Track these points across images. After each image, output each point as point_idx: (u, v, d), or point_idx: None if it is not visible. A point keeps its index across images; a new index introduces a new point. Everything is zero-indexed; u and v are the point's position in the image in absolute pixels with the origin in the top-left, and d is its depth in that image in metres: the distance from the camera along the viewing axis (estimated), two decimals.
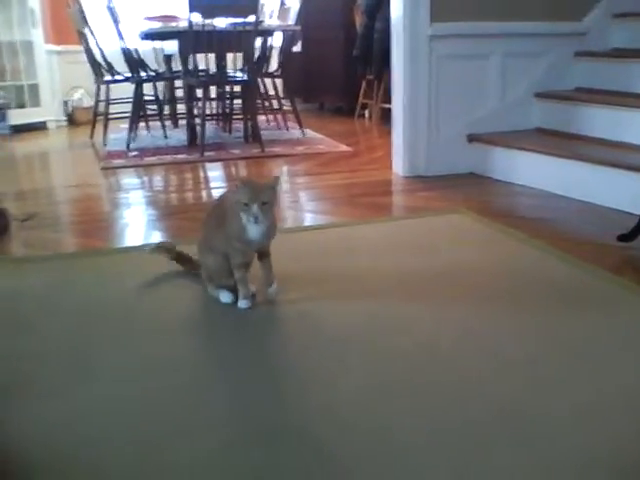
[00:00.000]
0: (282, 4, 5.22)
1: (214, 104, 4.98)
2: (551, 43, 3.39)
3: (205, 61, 4.36)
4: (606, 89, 3.24)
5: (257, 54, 4.45)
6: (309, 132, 4.72)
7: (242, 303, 1.72)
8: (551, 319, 1.62)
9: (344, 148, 4.12)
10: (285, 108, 4.92)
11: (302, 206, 2.86)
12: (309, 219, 2.66)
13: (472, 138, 3.30)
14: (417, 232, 2.36)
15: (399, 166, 3.34)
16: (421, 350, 1.47)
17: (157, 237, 2.43)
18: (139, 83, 4.42)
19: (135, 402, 1.29)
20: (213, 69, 4.55)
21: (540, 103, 3.35)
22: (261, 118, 4.95)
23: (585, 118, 3.10)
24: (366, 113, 5.48)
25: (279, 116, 4.96)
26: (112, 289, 1.89)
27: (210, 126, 4.87)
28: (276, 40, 4.90)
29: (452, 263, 2.03)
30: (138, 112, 4.48)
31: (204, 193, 3.17)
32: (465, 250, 2.16)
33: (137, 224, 2.61)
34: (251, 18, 3.92)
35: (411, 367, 1.40)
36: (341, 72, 5.69)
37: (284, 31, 4.70)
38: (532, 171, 3.00)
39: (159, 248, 1.96)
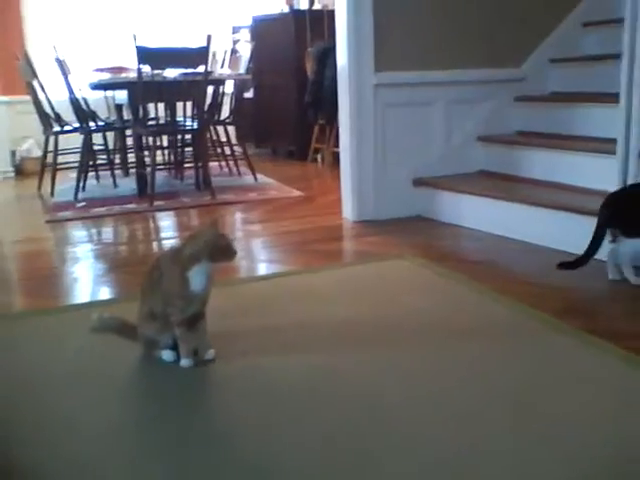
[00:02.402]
0: (233, 52, 5.30)
1: (166, 152, 4.99)
2: (492, 89, 3.52)
3: (156, 110, 4.38)
4: (545, 132, 3.36)
5: (209, 102, 4.49)
6: (262, 178, 4.75)
7: (185, 362, 1.70)
8: (491, 363, 1.64)
9: (296, 193, 4.15)
10: (237, 154, 4.96)
11: (252, 255, 2.86)
12: (258, 268, 2.66)
13: (418, 182, 3.37)
14: (362, 279, 2.38)
15: (348, 211, 3.39)
16: (363, 399, 1.47)
17: (105, 293, 2.39)
18: (88, 133, 4.40)
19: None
20: (165, 117, 4.57)
21: (483, 147, 3.46)
22: (214, 165, 4.97)
23: (525, 160, 3.20)
24: (318, 157, 5.56)
25: (231, 163, 4.99)
26: (55, 351, 1.84)
27: (161, 175, 4.86)
28: (228, 87, 4.97)
29: (395, 309, 2.05)
30: (87, 162, 4.45)
31: (153, 244, 3.14)
32: (409, 296, 2.18)
33: (83, 280, 2.57)
34: (201, 68, 3.97)
35: (354, 417, 1.39)
36: (293, 117, 5.78)
37: (238, 78, 4.76)
38: (476, 213, 3.07)
39: (102, 326, 1.87)
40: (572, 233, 2.61)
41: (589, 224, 2.57)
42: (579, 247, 2.56)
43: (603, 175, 2.64)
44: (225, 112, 4.98)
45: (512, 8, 3.50)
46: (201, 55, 3.91)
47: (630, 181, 2.47)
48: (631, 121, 2.42)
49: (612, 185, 2.55)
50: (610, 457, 1.24)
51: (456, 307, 2.07)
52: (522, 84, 3.59)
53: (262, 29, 6.03)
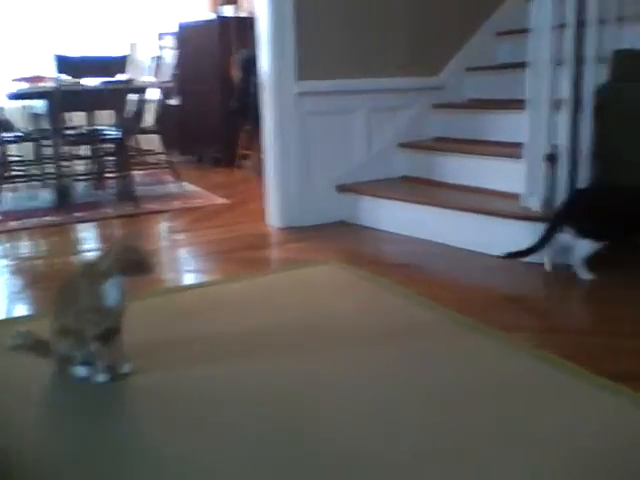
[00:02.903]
0: (157, 59, 5.22)
1: (87, 162, 4.86)
2: (412, 97, 3.61)
3: (77, 119, 4.27)
4: (461, 138, 3.48)
5: (132, 110, 4.41)
6: (187, 185, 4.70)
7: (100, 377, 1.66)
8: (412, 365, 1.68)
9: (222, 201, 4.13)
10: (162, 162, 4.89)
11: (176, 265, 2.83)
12: (183, 279, 2.63)
13: (342, 188, 3.42)
14: (287, 286, 2.39)
15: (273, 218, 3.39)
16: (282, 405, 1.48)
17: (21, 310, 2.31)
18: (2, 144, 4.24)
19: None
20: (85, 126, 4.46)
21: (404, 153, 3.54)
22: (138, 174, 4.88)
23: (444, 166, 3.30)
24: (245, 164, 5.54)
25: (156, 171, 4.92)
26: None
27: (82, 185, 4.73)
28: (153, 94, 4.89)
29: (319, 315, 2.07)
30: (2, 174, 4.28)
31: (72, 258, 3.06)
32: (332, 301, 2.21)
33: None
34: (121, 76, 3.89)
35: (272, 423, 1.40)
36: (219, 124, 5.74)
37: (160, 86, 4.69)
38: (397, 218, 3.14)
39: (17, 344, 1.80)
40: (486, 235, 2.72)
41: (502, 225, 2.68)
42: (493, 248, 2.67)
43: (514, 178, 2.76)
44: (149, 121, 4.90)
45: (430, 19, 3.61)
46: (121, 63, 3.84)
47: (539, 184, 2.58)
48: (536, 126, 2.54)
49: (522, 188, 2.67)
50: (524, 445, 1.30)
51: (378, 311, 2.11)
52: (440, 92, 3.70)
53: (188, 35, 5.97)
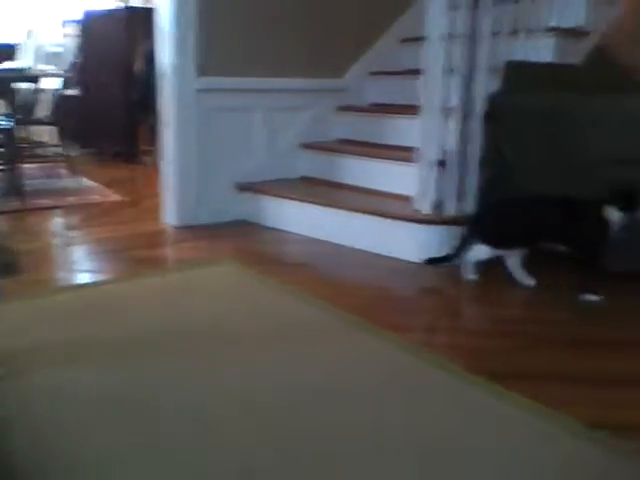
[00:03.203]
0: (59, 47, 4.98)
1: None
2: (315, 98, 3.61)
3: None
4: (364, 141, 3.51)
5: (25, 99, 4.18)
6: (84, 180, 4.50)
7: None
8: (301, 363, 1.67)
9: (118, 197, 3.98)
10: (57, 156, 4.66)
11: (67, 264, 2.69)
12: (73, 278, 2.50)
13: (242, 187, 3.37)
14: (179, 287, 2.33)
15: (170, 216, 3.30)
16: (179, 410, 1.43)
17: None
18: None
19: None
20: None
21: (306, 153, 3.54)
22: (31, 168, 4.62)
23: (345, 167, 3.33)
24: (146, 159, 5.38)
25: (53, 165, 4.68)
26: None
27: None
28: (51, 84, 4.64)
29: (208, 316, 2.03)
30: None
31: None
32: (224, 301, 2.17)
33: None
34: (9, 64, 3.68)
35: (171, 429, 1.34)
36: (121, 116, 5.54)
37: (57, 76, 4.47)
38: (298, 218, 3.13)
39: None
40: (381, 236, 2.76)
41: (395, 227, 2.73)
42: (389, 249, 2.71)
43: (409, 181, 2.81)
44: (45, 111, 4.65)
45: (334, 21, 3.62)
46: (9, 51, 3.63)
47: (430, 188, 2.64)
48: (428, 132, 2.60)
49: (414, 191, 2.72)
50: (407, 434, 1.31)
51: (268, 312, 2.09)
52: (344, 94, 3.72)
53: (93, 24, 5.72)
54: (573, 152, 2.49)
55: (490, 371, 1.68)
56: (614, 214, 2.18)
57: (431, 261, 2.50)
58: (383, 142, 3.39)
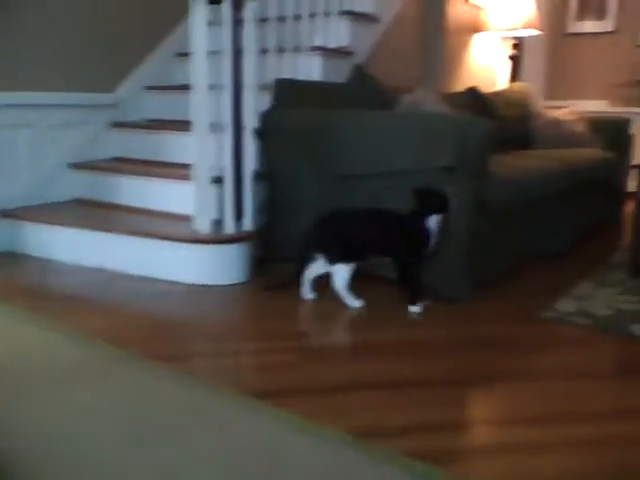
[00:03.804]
0: None
1: None
2: (85, 114, 3.37)
3: None
4: (141, 159, 3.36)
5: None
6: None
7: None
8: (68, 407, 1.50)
9: None
10: None
11: None
12: None
13: (4, 214, 3.03)
14: None
15: None
16: None
17: None
18: None
19: None
20: None
21: (77, 174, 3.28)
22: None
23: (120, 187, 3.14)
24: None
25: None
26: None
27: None
28: None
29: None
30: None
31: None
32: None
33: None
34: None
35: None
36: None
37: None
38: (69, 245, 2.88)
39: None
40: (160, 259, 2.64)
41: (174, 249, 2.63)
42: (169, 273, 2.61)
43: (188, 200, 2.72)
44: None
45: (103, 33, 3.42)
46: None
47: (208, 206, 2.59)
48: (202, 148, 2.54)
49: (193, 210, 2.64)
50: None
51: (34, 353, 1.86)
52: (118, 110, 3.54)
53: None
54: (341, 166, 2.60)
55: (264, 390, 1.66)
56: (432, 220, 2.25)
57: (270, 288, 2.43)
58: (161, 159, 3.27)
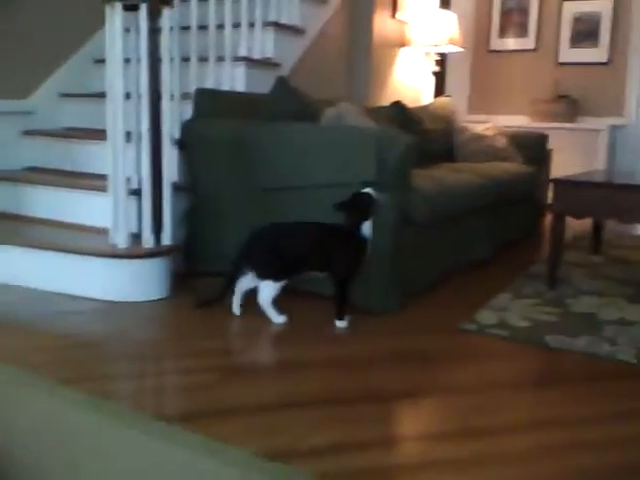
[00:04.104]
0: None
1: None
2: None
3: None
4: (58, 169, 3.21)
5: None
6: None
7: None
8: None
9: None
10: None
11: None
12: None
13: None
14: None
15: None
16: None
17: None
18: None
19: None
20: None
21: None
22: None
23: (34, 199, 2.98)
24: None
25: None
26: None
27: None
28: None
29: None
30: None
31: None
32: None
33: None
34: None
35: None
36: None
37: None
38: None
39: None
40: (76, 275, 2.51)
41: (92, 264, 2.51)
42: (86, 289, 2.49)
43: (106, 212, 2.61)
44: None
45: (16, 37, 3.26)
46: None
47: (125, 219, 2.48)
48: (118, 159, 2.44)
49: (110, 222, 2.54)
50: None
51: None
52: (32, 117, 3.37)
53: None
54: (263, 178, 2.55)
55: (183, 412, 1.59)
56: (366, 227, 2.21)
57: (202, 304, 2.33)
58: (78, 170, 3.13)
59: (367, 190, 2.22)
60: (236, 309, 2.34)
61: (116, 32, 2.30)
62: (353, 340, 2.17)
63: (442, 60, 5.32)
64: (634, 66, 5.35)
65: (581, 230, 4.28)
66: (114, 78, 2.36)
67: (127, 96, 2.48)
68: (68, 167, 3.18)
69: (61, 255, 2.53)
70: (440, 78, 5.63)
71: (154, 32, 2.33)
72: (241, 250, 2.27)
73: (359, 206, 2.21)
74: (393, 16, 4.76)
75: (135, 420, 1.53)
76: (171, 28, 2.44)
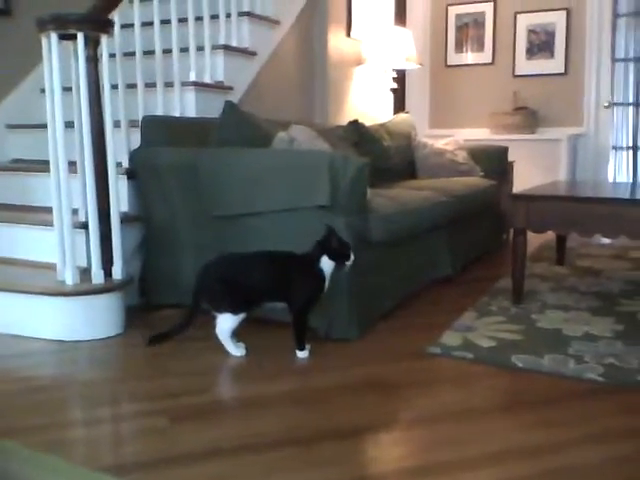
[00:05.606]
0: None
1: None
2: None
3: None
4: (3, 202, 3.08)
5: None
6: None
7: None
8: None
9: None
10: None
11: None
12: None
13: None
14: None
15: None
16: None
17: None
18: None
19: None
20: None
21: None
22: None
23: None
24: None
25: None
26: None
27: None
28: None
29: None
30: None
31: None
32: None
33: None
34: None
35: None
36: None
37: None
38: None
39: None
40: (22, 314, 2.39)
41: (37, 302, 2.40)
42: (32, 329, 2.38)
43: (54, 248, 2.49)
44: None
45: None
46: None
47: (71, 254, 2.37)
48: (61, 191, 2.34)
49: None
50: None
51: None
52: None
53: None
54: (215, 205, 2.47)
55: (122, 463, 1.49)
56: (326, 264, 2.15)
57: (154, 340, 2.21)
58: (25, 203, 3.02)
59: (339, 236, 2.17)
60: (237, 350, 2.20)
61: (53, 62, 2.21)
62: (313, 371, 2.08)
63: (402, 77, 5.31)
64: (590, 75, 5.41)
65: (546, 240, 4.27)
66: (54, 108, 2.26)
67: (70, 125, 2.38)
68: (14, 201, 3.06)
69: (7, 294, 2.41)
70: (400, 94, 5.63)
71: (93, 60, 2.24)
72: (195, 284, 2.18)
73: (328, 242, 2.15)
74: (348, 35, 4.74)
75: (74, 475, 1.42)
76: (112, 55, 2.35)
